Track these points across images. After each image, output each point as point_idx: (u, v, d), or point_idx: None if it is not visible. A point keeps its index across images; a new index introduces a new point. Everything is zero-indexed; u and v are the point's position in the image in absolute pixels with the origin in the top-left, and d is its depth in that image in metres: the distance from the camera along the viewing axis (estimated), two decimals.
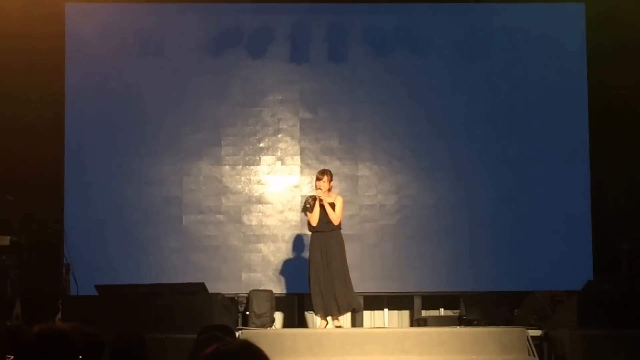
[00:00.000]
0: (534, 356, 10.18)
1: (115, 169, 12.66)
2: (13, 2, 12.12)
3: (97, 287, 10.34)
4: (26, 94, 12.22)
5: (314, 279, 10.99)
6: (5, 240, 10.88)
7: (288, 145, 12.93)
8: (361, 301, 11.71)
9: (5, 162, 12.18)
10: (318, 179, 11.03)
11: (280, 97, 12.97)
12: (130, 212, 12.64)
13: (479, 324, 11.70)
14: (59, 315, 10.11)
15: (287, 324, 12.74)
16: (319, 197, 10.95)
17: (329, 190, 11.04)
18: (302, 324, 12.62)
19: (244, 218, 12.81)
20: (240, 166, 12.83)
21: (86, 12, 12.71)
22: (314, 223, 11.00)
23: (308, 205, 11.04)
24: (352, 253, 12.63)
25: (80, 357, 3.94)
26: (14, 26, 12.15)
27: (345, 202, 11.31)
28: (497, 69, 12.96)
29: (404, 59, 12.98)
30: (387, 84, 12.95)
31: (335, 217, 10.95)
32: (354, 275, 12.26)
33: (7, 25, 12.14)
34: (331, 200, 11.02)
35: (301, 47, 12.95)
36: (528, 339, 10.27)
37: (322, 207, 10.97)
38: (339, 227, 11.07)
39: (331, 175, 11.09)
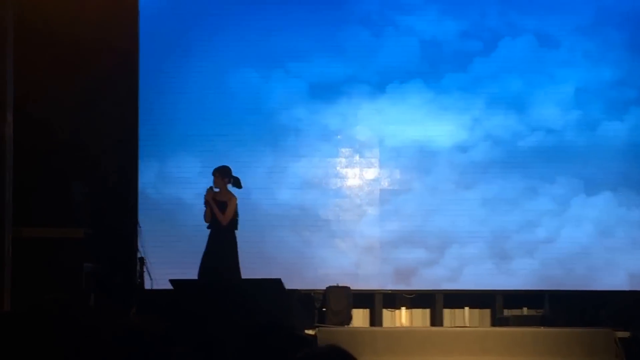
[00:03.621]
0: (622, 359, 9.95)
1: (188, 161, 12.54)
2: None
3: (172, 281, 10.32)
4: (98, 84, 12.12)
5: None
6: (79, 233, 10.86)
7: (367, 137, 12.65)
8: None
9: (80, 154, 12.12)
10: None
11: (360, 87, 12.66)
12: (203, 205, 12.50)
13: (563, 325, 11.40)
14: (134, 310, 10.09)
15: (365, 321, 12.51)
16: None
17: (227, 186, 10.89)
18: (381, 321, 12.37)
19: (321, 212, 12.58)
20: (317, 158, 12.60)
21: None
22: (207, 220, 10.93)
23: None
24: (431, 249, 12.40)
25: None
26: (87, 16, 12.07)
27: (237, 204, 10.95)
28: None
29: (491, 43, 12.64)
30: (474, 70, 12.60)
31: (222, 217, 10.83)
32: (431, 273, 12.01)
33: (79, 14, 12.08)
34: (225, 200, 10.89)
35: (381, 31, 12.65)
36: (615, 341, 10.08)
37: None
38: (229, 227, 10.88)
39: (223, 173, 10.92)
